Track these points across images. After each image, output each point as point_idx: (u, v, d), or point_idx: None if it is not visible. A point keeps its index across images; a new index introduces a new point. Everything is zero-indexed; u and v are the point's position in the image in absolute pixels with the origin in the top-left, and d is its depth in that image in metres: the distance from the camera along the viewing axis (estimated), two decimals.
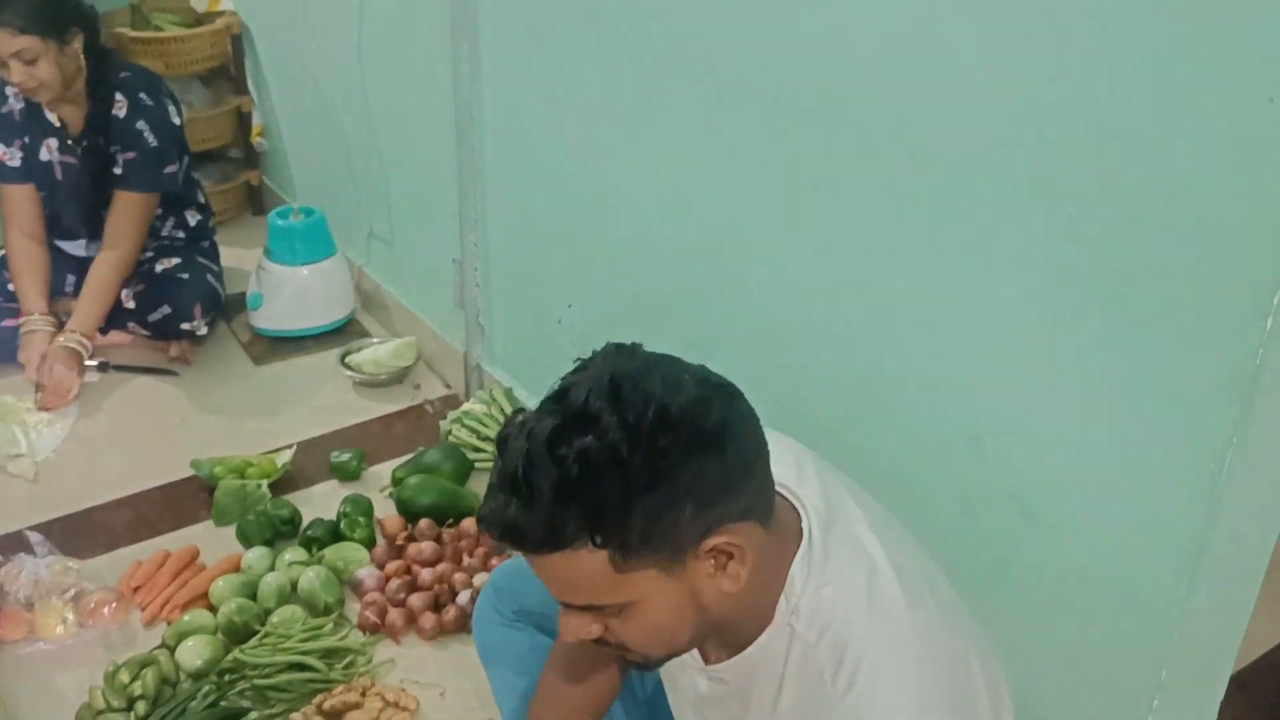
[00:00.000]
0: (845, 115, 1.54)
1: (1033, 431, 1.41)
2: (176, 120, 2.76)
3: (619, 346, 1.07)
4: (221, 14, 3.45)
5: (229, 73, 3.53)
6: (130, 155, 2.70)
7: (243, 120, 3.57)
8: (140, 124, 2.69)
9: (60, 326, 2.73)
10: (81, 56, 2.63)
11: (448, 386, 2.84)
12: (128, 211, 2.73)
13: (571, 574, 1.01)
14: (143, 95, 2.70)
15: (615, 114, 2.01)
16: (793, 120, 1.63)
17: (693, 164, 1.86)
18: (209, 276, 2.89)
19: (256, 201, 3.68)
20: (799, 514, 1.12)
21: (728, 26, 1.70)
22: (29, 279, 2.77)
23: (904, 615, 1.08)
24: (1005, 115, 1.32)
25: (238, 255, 3.26)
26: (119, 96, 2.69)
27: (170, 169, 2.77)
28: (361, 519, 2.28)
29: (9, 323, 2.76)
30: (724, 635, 1.16)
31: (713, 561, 1.03)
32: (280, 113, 3.47)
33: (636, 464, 0.96)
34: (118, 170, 2.72)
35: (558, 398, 1.01)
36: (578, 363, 1.07)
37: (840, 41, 1.52)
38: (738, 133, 1.74)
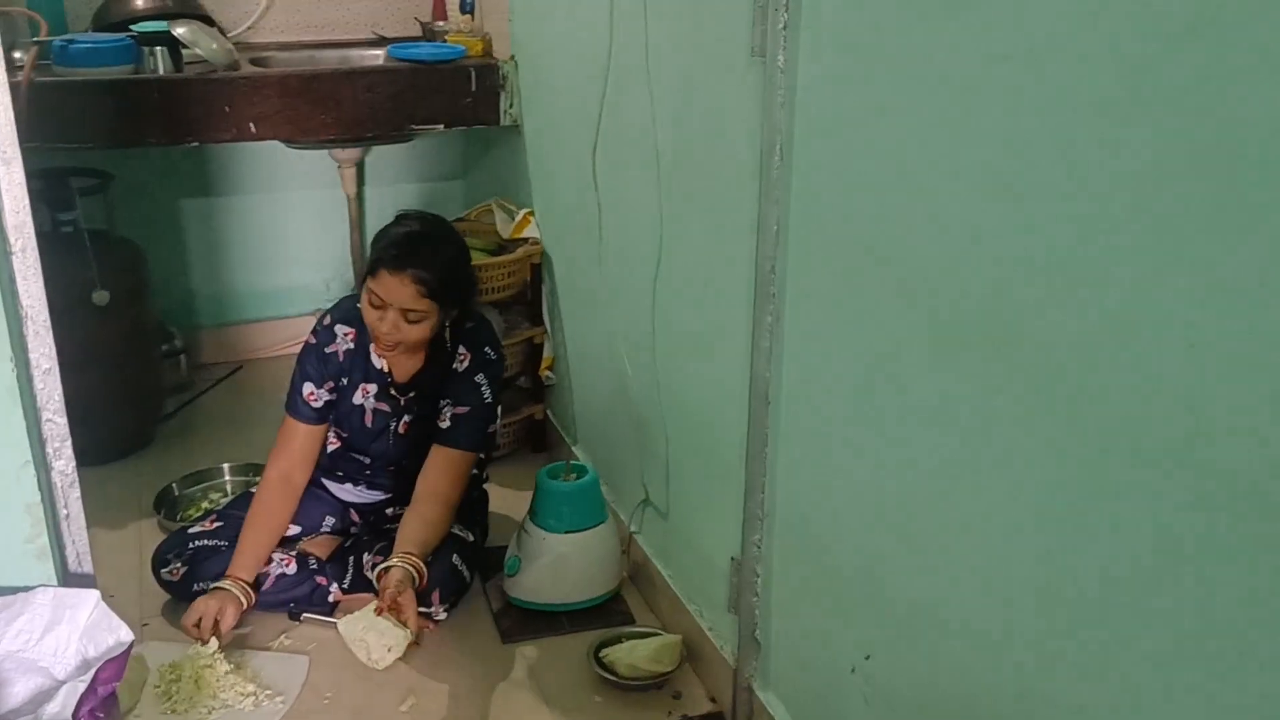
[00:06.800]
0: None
1: None
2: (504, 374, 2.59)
3: None
4: (524, 241, 3.29)
5: (525, 299, 3.35)
6: (462, 410, 2.53)
7: (533, 351, 3.36)
8: (479, 377, 2.54)
9: (250, 590, 2.47)
10: (447, 326, 2.52)
11: (713, 701, 2.36)
12: (449, 470, 2.52)
13: None
14: (488, 350, 2.56)
15: (944, 431, 1.54)
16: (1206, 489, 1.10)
17: (1049, 523, 1.34)
18: (455, 558, 2.57)
19: (537, 437, 3.43)
20: None
21: (1108, 351, 1.21)
22: (254, 536, 2.53)
23: None
24: None
25: (510, 499, 3.00)
26: (462, 350, 2.53)
27: (492, 428, 2.59)
28: None
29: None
30: None
31: None
32: (570, 349, 3.23)
33: None
34: (444, 424, 2.53)
35: None
36: None
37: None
38: (1116, 488, 1.22)
